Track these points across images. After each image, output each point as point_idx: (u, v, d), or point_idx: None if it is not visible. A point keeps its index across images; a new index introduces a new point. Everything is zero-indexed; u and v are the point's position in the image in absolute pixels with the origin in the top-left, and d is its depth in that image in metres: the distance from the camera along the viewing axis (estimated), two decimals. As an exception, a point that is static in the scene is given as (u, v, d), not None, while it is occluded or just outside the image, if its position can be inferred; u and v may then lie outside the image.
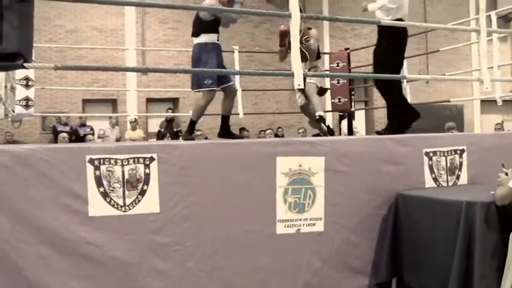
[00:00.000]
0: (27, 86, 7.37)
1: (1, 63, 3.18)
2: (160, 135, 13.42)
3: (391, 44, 5.48)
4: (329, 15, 16.34)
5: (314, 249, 4.06)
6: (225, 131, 5.74)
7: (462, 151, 4.68)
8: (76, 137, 13.10)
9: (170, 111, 14.60)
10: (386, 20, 5.34)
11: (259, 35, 16.43)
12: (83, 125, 13.71)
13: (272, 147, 4.05)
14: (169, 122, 13.78)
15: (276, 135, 13.90)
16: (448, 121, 12.26)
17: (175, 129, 13.42)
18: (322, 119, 6.26)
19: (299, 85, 4.19)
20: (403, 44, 5.59)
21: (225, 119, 5.73)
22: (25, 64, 3.24)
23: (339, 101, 10.28)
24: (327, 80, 10.48)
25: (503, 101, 9.28)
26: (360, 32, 17.77)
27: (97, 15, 15.12)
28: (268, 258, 3.93)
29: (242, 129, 13.15)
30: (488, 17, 7.72)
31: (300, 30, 5.24)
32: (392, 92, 5.66)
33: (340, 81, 10.25)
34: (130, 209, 3.58)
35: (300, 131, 13.68)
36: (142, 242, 3.58)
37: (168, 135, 13.04)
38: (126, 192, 3.57)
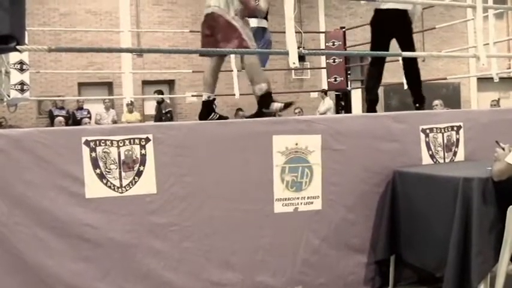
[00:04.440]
0: (21, 70, 7.32)
1: (-6, 46, 3.15)
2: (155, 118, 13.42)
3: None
4: (324, -8, 16.23)
5: (312, 228, 4.06)
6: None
7: (459, 127, 4.67)
8: (73, 120, 13.06)
9: (159, 93, 14.31)
10: None
11: (255, 14, 16.31)
12: (80, 108, 13.64)
13: (268, 126, 4.03)
14: (158, 104, 13.67)
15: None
16: (445, 99, 12.25)
17: (163, 111, 13.33)
18: None
19: (294, 63, 4.17)
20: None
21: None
22: (18, 47, 3.21)
23: (335, 80, 10.28)
24: (323, 58, 10.46)
25: (500, 78, 9.27)
26: (355, 11, 17.69)
27: (91, -3, 15.02)
28: (267, 238, 3.94)
29: (239, 109, 13.10)
30: (484, -7, 7.68)
31: None
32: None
33: (336, 60, 10.25)
34: (127, 190, 3.57)
35: (296, 110, 13.63)
36: (140, 223, 3.58)
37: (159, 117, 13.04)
38: (123, 174, 3.56)
